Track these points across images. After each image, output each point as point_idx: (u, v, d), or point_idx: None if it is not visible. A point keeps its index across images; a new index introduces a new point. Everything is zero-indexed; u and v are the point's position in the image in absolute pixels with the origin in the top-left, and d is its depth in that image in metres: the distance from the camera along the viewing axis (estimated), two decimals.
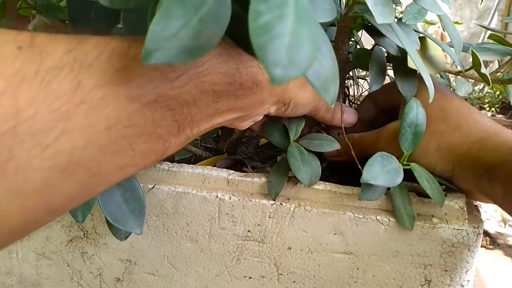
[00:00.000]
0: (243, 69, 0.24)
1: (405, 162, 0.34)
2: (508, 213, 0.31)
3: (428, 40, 0.37)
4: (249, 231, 0.36)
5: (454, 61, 0.36)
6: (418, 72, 0.30)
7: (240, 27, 0.17)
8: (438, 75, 0.50)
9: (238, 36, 0.20)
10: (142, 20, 0.16)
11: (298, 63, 0.15)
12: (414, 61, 0.28)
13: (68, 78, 0.18)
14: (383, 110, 0.41)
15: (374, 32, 0.35)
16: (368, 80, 0.50)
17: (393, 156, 0.33)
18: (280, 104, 0.31)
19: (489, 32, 0.43)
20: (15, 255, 0.44)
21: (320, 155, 0.37)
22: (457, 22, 0.62)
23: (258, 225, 0.35)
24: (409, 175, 0.33)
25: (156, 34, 0.15)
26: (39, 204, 0.20)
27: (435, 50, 0.37)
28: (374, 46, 0.37)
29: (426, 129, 0.34)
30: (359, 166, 0.37)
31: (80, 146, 0.19)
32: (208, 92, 0.23)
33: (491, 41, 0.41)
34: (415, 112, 0.33)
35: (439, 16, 0.39)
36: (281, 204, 0.35)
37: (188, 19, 0.16)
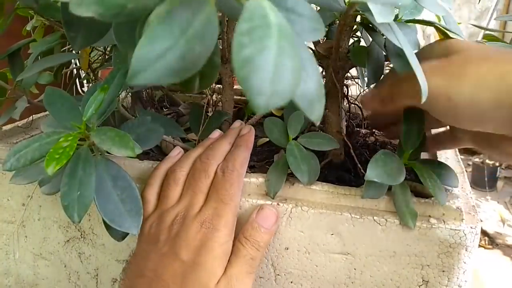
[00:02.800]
0: None
1: (406, 162, 0.34)
2: None
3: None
4: None
5: None
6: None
7: None
8: None
9: None
10: (133, 30, 0.16)
11: (280, 93, 0.15)
12: (410, 62, 0.28)
13: None
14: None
15: (373, 31, 0.35)
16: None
17: (395, 154, 0.33)
18: None
19: (487, 32, 0.43)
20: (12, 255, 0.44)
21: (317, 154, 0.37)
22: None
23: None
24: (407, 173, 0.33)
25: (143, 55, 0.16)
26: None
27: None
28: (371, 43, 0.37)
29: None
30: (359, 165, 0.37)
31: None
32: None
33: (485, 41, 0.41)
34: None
35: (438, 16, 0.39)
36: (278, 204, 0.35)
37: (175, 41, 0.16)
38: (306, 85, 0.19)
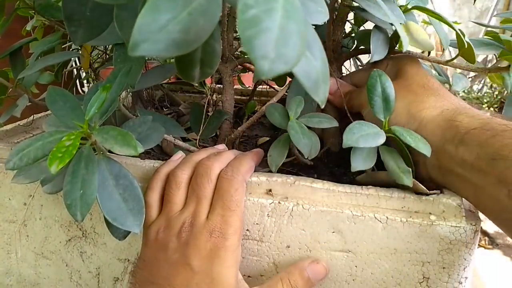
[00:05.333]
0: None
1: (386, 128, 0.35)
2: (466, 179, 0.32)
3: (416, 25, 0.39)
4: (247, 230, 0.36)
5: (443, 53, 0.38)
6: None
7: None
8: (436, 74, 0.51)
9: None
10: (134, 18, 0.16)
11: (285, 57, 0.15)
12: (398, 30, 0.29)
13: None
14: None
15: (366, 12, 0.36)
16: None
17: (372, 124, 0.34)
18: None
19: (489, 29, 0.43)
20: (14, 255, 0.44)
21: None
22: (456, 22, 0.62)
23: (257, 224, 0.36)
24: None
25: (144, 26, 0.15)
26: None
27: (422, 35, 0.39)
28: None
29: (404, 90, 0.36)
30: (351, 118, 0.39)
31: None
32: None
33: (489, 38, 0.42)
34: (379, 82, 0.35)
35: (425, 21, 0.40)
36: (279, 202, 0.35)
37: (177, 13, 0.16)
38: (311, 64, 0.19)
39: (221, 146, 0.41)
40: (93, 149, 0.32)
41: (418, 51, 0.39)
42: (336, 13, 0.36)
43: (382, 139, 0.33)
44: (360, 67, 0.55)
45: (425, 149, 0.33)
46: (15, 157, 0.29)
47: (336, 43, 0.39)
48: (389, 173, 0.34)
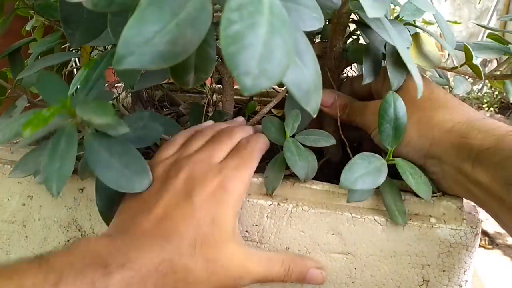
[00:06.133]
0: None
1: (390, 158, 0.33)
2: (484, 201, 0.30)
3: (424, 36, 0.37)
4: (247, 231, 0.36)
5: (448, 58, 0.37)
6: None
7: None
8: (437, 74, 0.50)
9: None
10: (126, 21, 0.16)
11: (269, 73, 0.14)
12: (403, 57, 0.28)
13: None
14: (359, 97, 0.42)
15: (366, 28, 0.35)
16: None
17: (375, 155, 0.33)
18: None
19: (487, 32, 0.43)
20: (13, 255, 0.44)
21: (316, 152, 0.37)
22: (455, 22, 0.62)
23: (256, 225, 0.35)
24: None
25: (130, 38, 0.15)
26: None
27: (430, 46, 0.37)
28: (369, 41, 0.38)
29: (410, 107, 0.33)
30: (349, 151, 0.38)
31: None
32: None
33: (489, 40, 0.41)
34: (393, 107, 0.33)
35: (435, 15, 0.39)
36: (278, 204, 0.35)
37: (164, 24, 0.15)
38: (302, 74, 0.18)
39: (240, 119, 0.42)
40: (81, 133, 0.31)
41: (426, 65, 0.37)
42: (337, 21, 0.36)
43: (382, 178, 0.31)
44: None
45: (424, 193, 0.32)
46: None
47: (338, 50, 0.39)
48: (386, 207, 0.33)
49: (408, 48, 0.35)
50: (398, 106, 0.33)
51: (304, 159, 0.35)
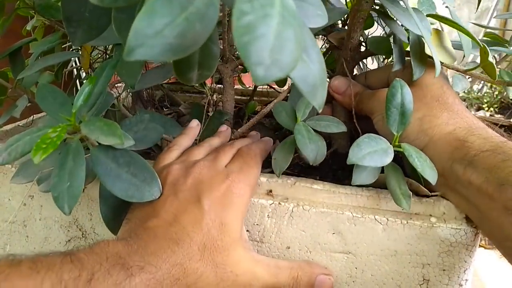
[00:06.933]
0: None
1: (396, 143, 0.33)
2: (473, 200, 0.31)
3: (443, 32, 0.37)
4: (248, 230, 0.36)
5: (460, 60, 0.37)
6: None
7: None
8: None
9: None
10: (132, 20, 0.16)
11: (281, 64, 0.15)
12: (427, 43, 0.28)
13: None
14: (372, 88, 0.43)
15: (389, 18, 0.35)
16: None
17: (382, 138, 0.33)
18: None
19: (488, 31, 0.43)
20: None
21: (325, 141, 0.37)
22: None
23: (257, 224, 0.35)
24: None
25: (140, 30, 0.15)
26: None
27: (448, 42, 0.38)
28: (390, 33, 0.38)
29: (417, 102, 0.34)
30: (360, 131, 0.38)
31: None
32: None
33: (486, 39, 0.42)
34: (400, 93, 0.34)
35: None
36: (279, 203, 0.35)
37: (174, 17, 0.16)
38: (309, 69, 0.19)
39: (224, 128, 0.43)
40: (87, 145, 0.31)
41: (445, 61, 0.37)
42: (357, 8, 0.36)
43: (389, 159, 0.31)
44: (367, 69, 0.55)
45: (431, 175, 0.31)
46: (4, 152, 0.29)
47: (355, 42, 0.39)
48: (390, 190, 0.33)
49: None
50: (405, 92, 0.34)
51: (314, 143, 0.35)
